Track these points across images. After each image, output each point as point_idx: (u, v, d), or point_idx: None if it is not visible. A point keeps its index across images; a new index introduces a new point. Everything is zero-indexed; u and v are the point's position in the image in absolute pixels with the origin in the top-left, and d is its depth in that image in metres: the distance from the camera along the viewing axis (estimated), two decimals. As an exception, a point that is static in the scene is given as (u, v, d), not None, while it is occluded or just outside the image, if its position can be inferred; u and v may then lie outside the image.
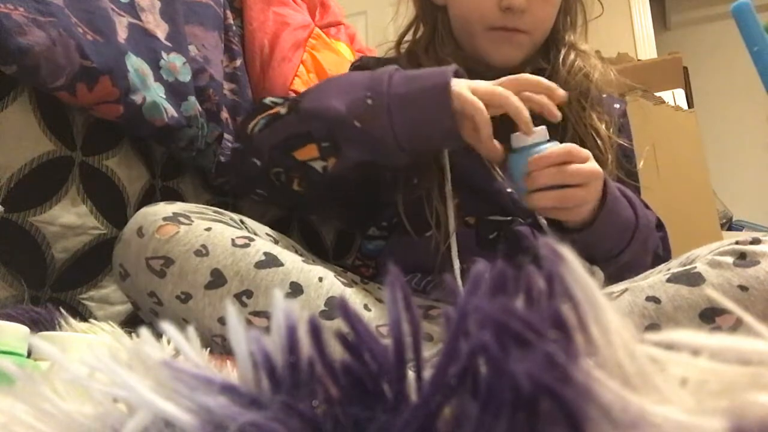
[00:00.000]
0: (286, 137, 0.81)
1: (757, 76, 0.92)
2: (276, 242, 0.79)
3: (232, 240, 0.70)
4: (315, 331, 0.20)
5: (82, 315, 0.81)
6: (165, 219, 0.71)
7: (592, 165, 0.74)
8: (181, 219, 0.71)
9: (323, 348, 0.20)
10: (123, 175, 0.88)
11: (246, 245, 0.70)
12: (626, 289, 0.67)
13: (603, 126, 0.90)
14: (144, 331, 0.22)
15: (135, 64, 0.83)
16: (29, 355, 0.47)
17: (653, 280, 0.67)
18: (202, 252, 0.69)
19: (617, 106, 0.98)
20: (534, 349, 0.17)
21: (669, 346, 0.18)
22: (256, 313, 0.67)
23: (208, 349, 0.60)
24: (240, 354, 0.20)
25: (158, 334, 0.23)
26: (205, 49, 0.99)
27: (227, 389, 0.19)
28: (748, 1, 0.91)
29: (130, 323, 0.86)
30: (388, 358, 0.19)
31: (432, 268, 0.84)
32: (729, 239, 0.69)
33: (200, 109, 0.94)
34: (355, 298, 0.73)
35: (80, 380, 0.21)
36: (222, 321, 0.67)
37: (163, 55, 0.89)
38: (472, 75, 0.79)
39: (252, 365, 0.20)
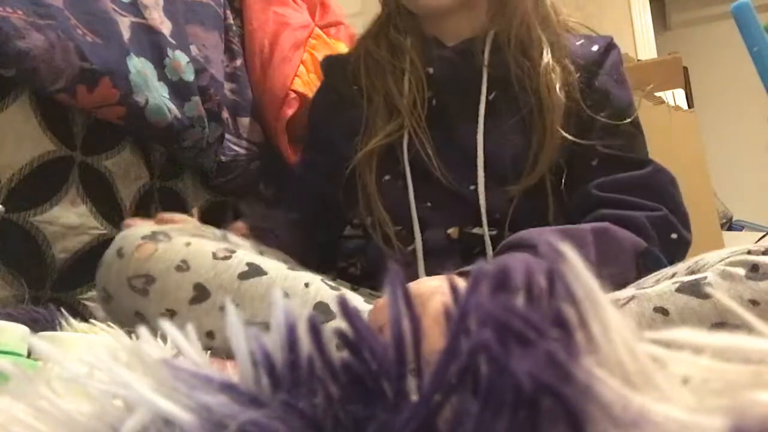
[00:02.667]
0: None
1: (757, 76, 0.92)
2: (261, 253, 0.78)
3: (213, 253, 0.70)
4: (314, 330, 0.20)
5: (82, 315, 0.81)
6: (143, 238, 0.70)
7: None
8: (160, 237, 0.71)
9: (323, 346, 0.20)
10: (122, 175, 0.88)
11: (227, 257, 0.70)
12: (633, 297, 0.64)
13: (558, 81, 0.84)
14: (143, 331, 0.22)
15: (137, 65, 0.83)
16: (29, 355, 0.47)
17: (662, 288, 0.63)
18: (182, 267, 0.68)
19: (595, 48, 0.90)
20: (535, 347, 0.17)
21: (670, 345, 0.18)
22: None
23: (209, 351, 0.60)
24: (239, 352, 0.20)
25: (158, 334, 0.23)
26: (205, 49, 0.99)
27: (227, 388, 0.19)
28: (748, 1, 0.91)
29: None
30: (388, 356, 0.19)
31: (411, 275, 0.81)
32: (741, 246, 0.65)
33: (203, 109, 0.94)
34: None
35: (79, 379, 0.21)
36: (210, 335, 0.66)
37: (169, 52, 0.89)
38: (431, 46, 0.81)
39: (252, 364, 0.20)
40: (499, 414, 0.17)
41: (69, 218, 0.80)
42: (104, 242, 0.83)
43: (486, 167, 0.84)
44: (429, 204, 0.86)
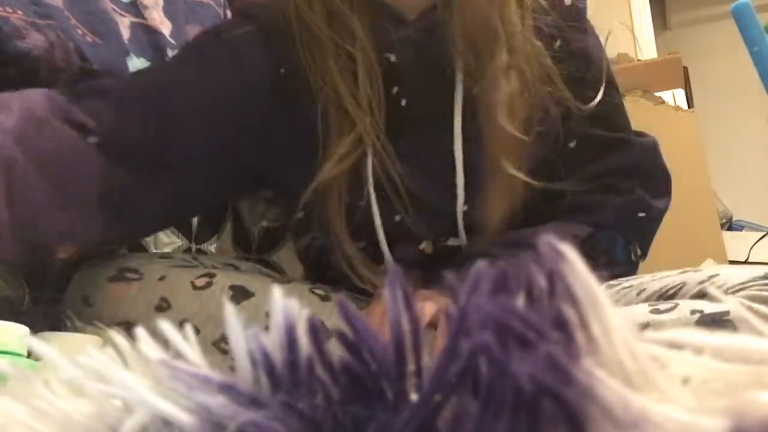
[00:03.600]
0: None
1: (757, 76, 0.92)
2: (237, 269, 0.72)
3: (192, 283, 0.65)
4: (314, 330, 0.20)
5: (82, 315, 0.81)
6: (111, 280, 0.65)
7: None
8: (128, 275, 0.65)
9: (322, 347, 0.20)
10: (123, 175, 0.88)
11: (208, 284, 0.65)
12: (648, 324, 0.58)
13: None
14: (142, 331, 0.22)
15: (136, 65, 0.83)
16: (29, 355, 0.47)
17: (677, 316, 0.58)
18: (163, 306, 0.64)
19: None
20: (535, 348, 0.17)
21: (670, 345, 0.18)
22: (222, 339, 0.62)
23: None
24: (239, 353, 0.20)
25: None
26: (205, 49, 0.99)
27: (226, 388, 0.19)
28: (748, 1, 0.91)
29: (129, 324, 0.86)
30: (388, 356, 0.19)
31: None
32: (758, 272, 0.59)
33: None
34: (335, 313, 0.63)
35: (79, 379, 0.21)
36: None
37: (168, 52, 0.89)
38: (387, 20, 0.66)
39: (251, 364, 0.20)
40: (499, 415, 0.17)
41: (69, 218, 0.80)
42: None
43: (466, 175, 0.71)
44: (397, 218, 0.72)
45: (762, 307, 0.55)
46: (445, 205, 0.73)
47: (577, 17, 0.75)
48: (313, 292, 0.69)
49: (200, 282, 0.65)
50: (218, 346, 0.62)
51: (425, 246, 0.75)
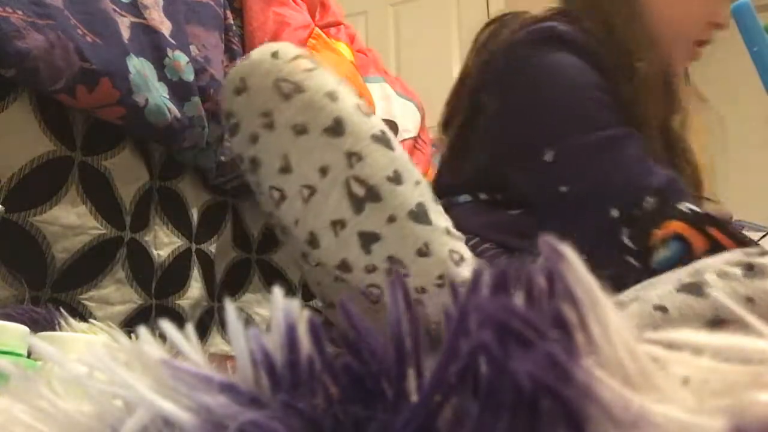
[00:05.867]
0: None
1: (757, 76, 0.92)
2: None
3: (357, 105, 0.67)
4: (314, 330, 0.20)
5: (82, 315, 0.81)
6: (300, 56, 0.67)
7: None
8: (315, 62, 0.68)
9: (323, 346, 0.20)
10: (122, 175, 0.88)
11: (368, 114, 0.68)
12: (637, 298, 0.67)
13: None
14: (143, 331, 0.22)
15: (136, 65, 0.83)
16: (29, 355, 0.47)
17: (663, 290, 0.67)
18: (333, 96, 0.66)
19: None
20: (535, 348, 0.17)
21: (670, 345, 0.18)
22: (357, 179, 0.64)
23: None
24: (239, 352, 0.20)
25: (157, 334, 0.23)
26: (205, 49, 0.99)
27: (227, 388, 0.19)
28: (748, 1, 0.91)
29: (130, 323, 0.86)
30: (388, 356, 0.19)
31: None
32: (737, 254, 0.69)
33: (203, 109, 0.94)
34: None
35: (79, 379, 0.21)
36: (323, 171, 0.64)
37: (168, 52, 0.89)
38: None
39: (252, 364, 0.20)
40: (499, 414, 0.17)
41: (69, 218, 0.80)
42: (104, 242, 0.83)
43: None
44: None
45: (735, 269, 0.64)
46: None
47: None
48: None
49: (364, 109, 0.68)
50: (349, 158, 0.65)
51: None
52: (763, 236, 1.52)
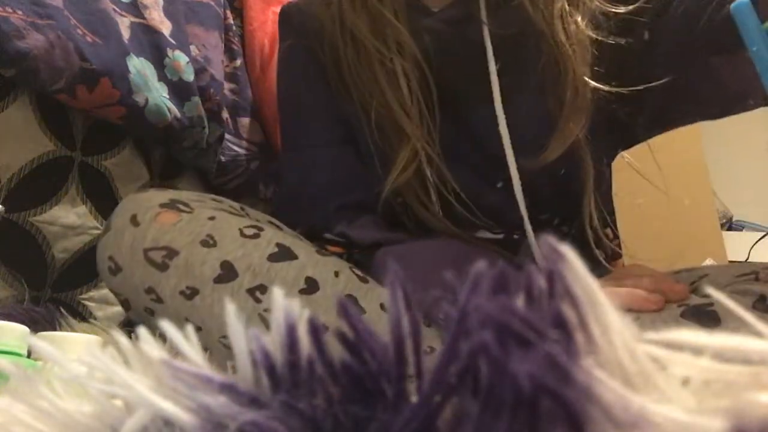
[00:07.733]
0: None
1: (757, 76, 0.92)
2: (280, 229, 0.72)
3: (240, 230, 0.64)
4: (315, 330, 0.20)
5: (82, 315, 0.81)
6: (162, 206, 0.64)
7: None
8: (180, 206, 0.64)
9: (323, 347, 0.20)
10: (122, 175, 0.88)
11: (256, 235, 0.64)
12: (638, 317, 0.61)
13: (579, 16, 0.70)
14: (143, 330, 0.22)
15: (136, 65, 0.83)
16: (29, 355, 0.47)
17: (666, 314, 0.60)
18: (209, 242, 0.62)
19: None
20: (535, 348, 0.17)
21: (670, 346, 0.18)
22: (269, 310, 0.62)
23: (208, 352, 0.57)
24: (239, 352, 0.20)
25: (157, 334, 0.23)
26: (205, 49, 0.99)
27: (227, 388, 0.19)
28: (748, 1, 0.91)
29: (130, 323, 0.86)
30: (388, 357, 0.19)
31: None
32: (747, 267, 0.62)
33: (203, 109, 0.94)
34: (371, 296, 0.65)
35: (79, 379, 0.21)
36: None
37: (168, 52, 0.89)
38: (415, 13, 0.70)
39: (251, 364, 0.20)
40: (499, 415, 0.17)
41: (69, 218, 0.80)
42: (104, 242, 0.83)
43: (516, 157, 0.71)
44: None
45: (746, 300, 0.57)
46: (503, 199, 0.74)
47: None
48: (353, 271, 0.68)
49: (249, 231, 0.64)
50: (253, 294, 0.62)
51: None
52: (763, 236, 1.52)
